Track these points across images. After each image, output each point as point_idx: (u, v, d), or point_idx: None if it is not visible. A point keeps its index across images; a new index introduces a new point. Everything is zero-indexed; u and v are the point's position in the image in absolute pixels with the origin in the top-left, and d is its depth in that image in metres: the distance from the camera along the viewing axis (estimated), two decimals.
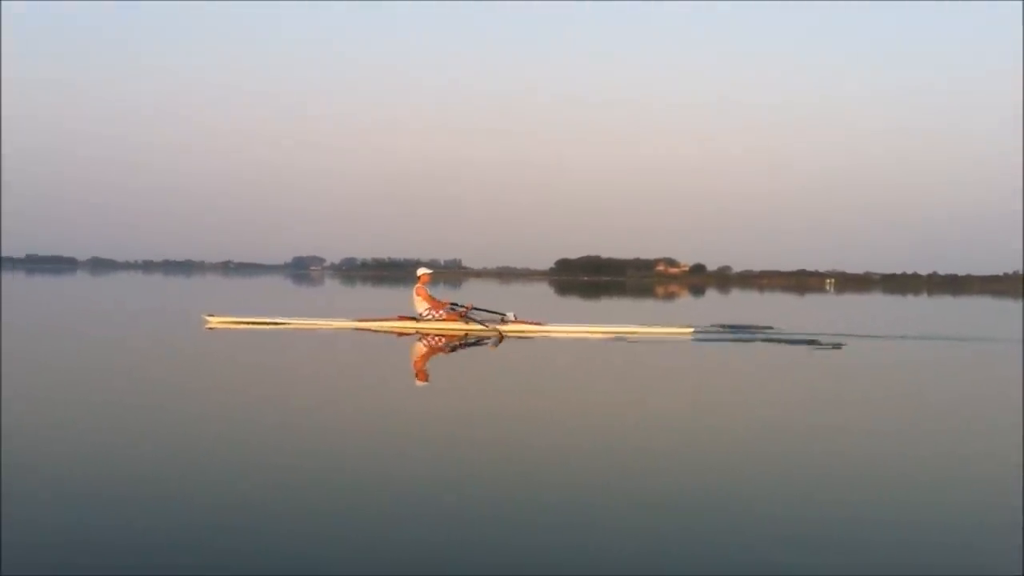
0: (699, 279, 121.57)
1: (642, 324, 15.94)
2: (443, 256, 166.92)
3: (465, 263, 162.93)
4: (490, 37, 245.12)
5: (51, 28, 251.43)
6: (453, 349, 12.71)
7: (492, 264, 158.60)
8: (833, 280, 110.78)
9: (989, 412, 7.80)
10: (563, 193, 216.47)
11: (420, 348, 12.74)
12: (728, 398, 8.33)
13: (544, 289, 57.00)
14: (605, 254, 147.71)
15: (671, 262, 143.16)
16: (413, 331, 14.45)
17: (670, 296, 46.96)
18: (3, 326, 14.42)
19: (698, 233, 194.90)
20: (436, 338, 13.77)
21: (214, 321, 14.99)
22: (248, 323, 15.20)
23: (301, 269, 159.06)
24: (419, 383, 9.10)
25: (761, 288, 78.20)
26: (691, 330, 14.90)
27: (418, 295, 14.99)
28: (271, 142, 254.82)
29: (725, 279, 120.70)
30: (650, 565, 3.46)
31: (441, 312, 14.83)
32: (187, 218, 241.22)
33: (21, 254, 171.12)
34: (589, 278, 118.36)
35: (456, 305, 15.18)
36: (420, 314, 14.86)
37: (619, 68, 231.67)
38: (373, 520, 3.93)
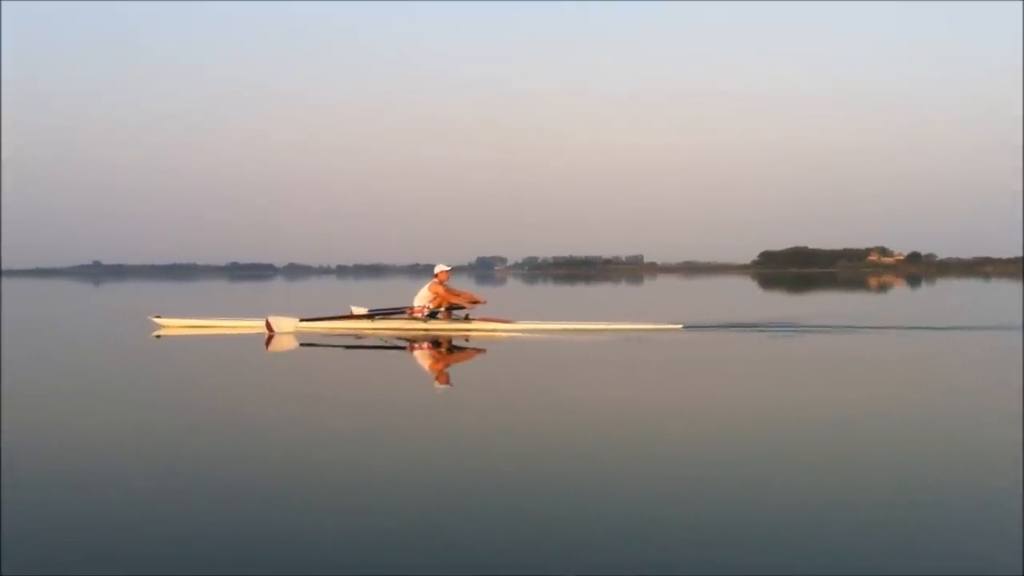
0: (916, 268, 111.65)
1: (630, 321, 14.58)
2: (625, 252, 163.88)
3: (648, 258, 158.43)
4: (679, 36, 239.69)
5: (199, 50, 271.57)
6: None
7: (677, 259, 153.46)
8: None
9: None
10: (763, 182, 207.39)
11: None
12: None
13: (742, 284, 52.99)
14: (813, 244, 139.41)
15: (884, 251, 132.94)
16: (349, 331, 13.66)
17: (883, 287, 42.39)
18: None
19: (906, 220, 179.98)
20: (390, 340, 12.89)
21: (163, 324, 14.86)
22: (195, 327, 14.88)
23: (485, 270, 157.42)
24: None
25: (985, 276, 69.77)
26: (680, 327, 13.67)
27: (430, 290, 13.96)
28: (456, 143, 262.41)
29: (946, 268, 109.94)
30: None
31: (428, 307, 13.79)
32: (377, 223, 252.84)
33: (224, 262, 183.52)
34: (797, 270, 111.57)
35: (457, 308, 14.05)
36: (412, 309, 13.90)
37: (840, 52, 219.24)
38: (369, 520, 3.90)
